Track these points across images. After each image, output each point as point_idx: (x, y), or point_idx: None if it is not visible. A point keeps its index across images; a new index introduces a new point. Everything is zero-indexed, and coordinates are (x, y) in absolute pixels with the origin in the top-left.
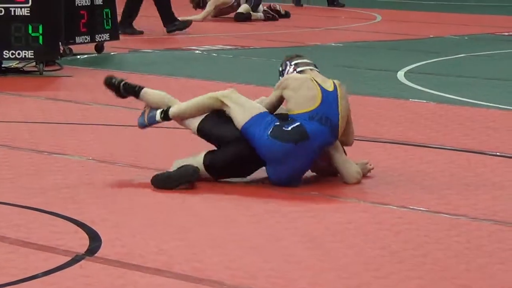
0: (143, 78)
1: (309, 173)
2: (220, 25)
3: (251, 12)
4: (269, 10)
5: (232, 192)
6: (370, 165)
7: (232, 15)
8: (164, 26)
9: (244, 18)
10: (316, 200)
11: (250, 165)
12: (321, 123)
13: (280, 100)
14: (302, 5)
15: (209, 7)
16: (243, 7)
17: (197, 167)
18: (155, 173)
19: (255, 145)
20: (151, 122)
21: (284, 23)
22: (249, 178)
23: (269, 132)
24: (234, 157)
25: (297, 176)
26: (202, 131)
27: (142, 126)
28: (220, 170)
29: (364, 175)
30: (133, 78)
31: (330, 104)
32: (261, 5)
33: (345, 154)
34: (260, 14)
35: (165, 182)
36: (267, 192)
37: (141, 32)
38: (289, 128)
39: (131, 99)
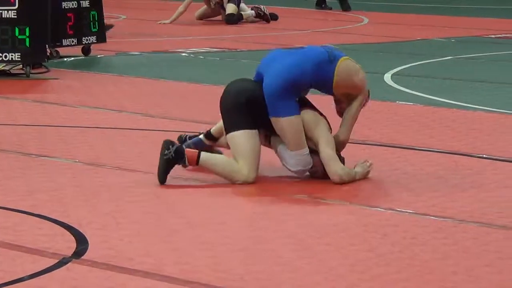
0: (130, 81)
1: (295, 177)
2: (208, 27)
3: (242, 12)
4: (260, 8)
5: (220, 195)
6: (368, 162)
7: (218, 18)
8: None
9: (236, 19)
10: (304, 202)
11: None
12: (324, 47)
13: None
14: (350, 9)
15: (181, 9)
16: (231, 7)
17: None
18: (142, 176)
19: (260, 65)
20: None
21: (272, 26)
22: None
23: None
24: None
25: (291, 80)
26: None
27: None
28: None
29: (365, 176)
30: (121, 80)
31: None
32: (243, 4)
33: (338, 152)
34: (251, 12)
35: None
36: (255, 194)
37: (111, 26)
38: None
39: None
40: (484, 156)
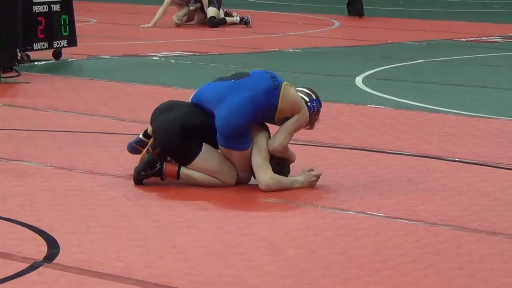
0: (101, 85)
1: None
2: (180, 31)
3: (227, 18)
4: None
5: (191, 199)
6: (314, 171)
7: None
8: None
9: (218, 22)
10: (275, 206)
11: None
12: (267, 72)
13: None
14: (364, 15)
15: (161, 10)
16: (212, 11)
17: (152, 157)
18: (114, 179)
19: (201, 96)
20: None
21: (243, 29)
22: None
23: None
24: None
25: (242, 124)
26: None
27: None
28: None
29: (312, 185)
30: (92, 84)
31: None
32: (230, 9)
33: (277, 159)
34: (236, 19)
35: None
36: (227, 198)
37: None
38: (230, 74)
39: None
40: (456, 159)
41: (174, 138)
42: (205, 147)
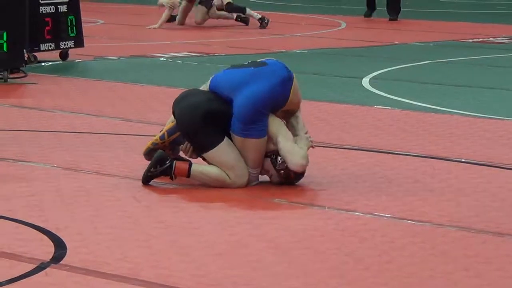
0: (108, 86)
1: (274, 180)
2: (186, 32)
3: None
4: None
5: (197, 200)
6: (309, 136)
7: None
8: None
9: (236, 8)
10: (282, 207)
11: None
12: (280, 62)
13: None
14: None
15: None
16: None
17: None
18: (120, 180)
19: (218, 84)
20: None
21: (248, 30)
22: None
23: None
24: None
25: (259, 109)
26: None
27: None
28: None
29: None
30: (99, 85)
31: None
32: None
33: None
34: (256, 15)
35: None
36: (233, 199)
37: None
38: (247, 62)
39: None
40: (462, 160)
41: (198, 121)
42: (227, 139)
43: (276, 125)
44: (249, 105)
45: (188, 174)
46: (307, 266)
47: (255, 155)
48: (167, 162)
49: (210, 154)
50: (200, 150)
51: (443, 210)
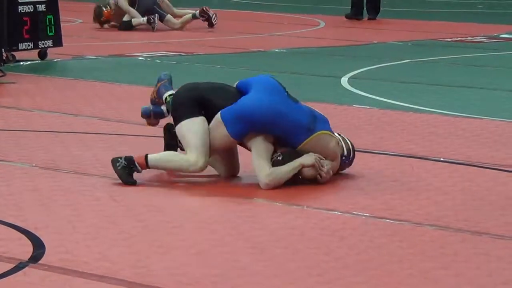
0: (87, 85)
1: (254, 179)
2: (164, 32)
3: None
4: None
5: (176, 199)
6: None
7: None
8: None
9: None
10: (261, 206)
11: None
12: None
13: None
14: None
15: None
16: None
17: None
18: (99, 179)
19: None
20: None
21: (227, 29)
22: (194, 182)
23: None
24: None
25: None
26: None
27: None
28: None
29: (315, 167)
30: (77, 84)
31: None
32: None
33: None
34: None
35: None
36: (212, 198)
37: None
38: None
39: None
40: (441, 159)
41: (188, 98)
42: (203, 120)
43: (257, 140)
44: (258, 105)
45: (147, 163)
46: (286, 265)
47: (218, 143)
48: (121, 160)
49: (180, 126)
50: (174, 121)
51: (421, 209)
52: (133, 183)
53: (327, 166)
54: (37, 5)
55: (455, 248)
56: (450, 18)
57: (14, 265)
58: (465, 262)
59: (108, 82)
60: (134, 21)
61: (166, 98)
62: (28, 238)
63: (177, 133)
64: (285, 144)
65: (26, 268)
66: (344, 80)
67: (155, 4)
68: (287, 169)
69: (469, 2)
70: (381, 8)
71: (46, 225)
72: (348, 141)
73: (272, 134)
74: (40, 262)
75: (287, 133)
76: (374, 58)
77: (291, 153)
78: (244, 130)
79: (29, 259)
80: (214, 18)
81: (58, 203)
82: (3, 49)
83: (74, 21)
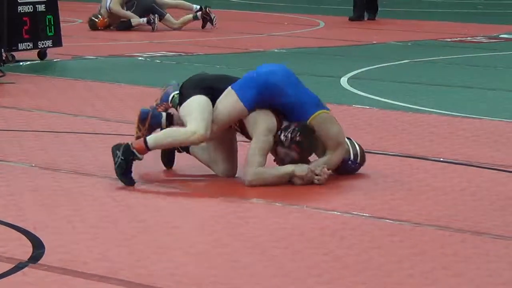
0: (86, 85)
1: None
2: (164, 32)
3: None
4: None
5: (176, 199)
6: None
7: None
8: None
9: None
10: (260, 206)
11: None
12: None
13: None
14: (375, 18)
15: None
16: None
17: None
18: (99, 180)
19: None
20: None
21: (228, 29)
22: (193, 182)
23: None
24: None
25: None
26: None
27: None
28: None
29: (308, 176)
30: (77, 84)
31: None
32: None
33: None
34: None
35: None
36: (211, 198)
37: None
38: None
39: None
40: (441, 159)
41: (194, 83)
42: (201, 96)
43: (262, 124)
44: (270, 75)
45: (146, 146)
46: (285, 265)
47: (222, 113)
48: (122, 145)
49: (183, 105)
50: (180, 103)
51: (421, 209)
52: (131, 184)
53: (320, 168)
54: (37, 5)
55: (455, 248)
56: (449, 18)
57: (14, 265)
58: (465, 262)
59: (108, 82)
60: (134, 22)
61: (173, 96)
62: (27, 238)
63: (180, 115)
64: (296, 115)
65: (26, 268)
66: (344, 80)
67: (154, 2)
68: (277, 173)
69: (469, 2)
70: (379, 8)
71: (46, 225)
72: (356, 145)
73: (283, 103)
74: (39, 262)
75: (298, 102)
76: (374, 58)
77: (306, 125)
78: (256, 96)
79: (28, 259)
80: (214, 21)
81: (58, 203)
82: (2, 49)
83: (74, 21)
